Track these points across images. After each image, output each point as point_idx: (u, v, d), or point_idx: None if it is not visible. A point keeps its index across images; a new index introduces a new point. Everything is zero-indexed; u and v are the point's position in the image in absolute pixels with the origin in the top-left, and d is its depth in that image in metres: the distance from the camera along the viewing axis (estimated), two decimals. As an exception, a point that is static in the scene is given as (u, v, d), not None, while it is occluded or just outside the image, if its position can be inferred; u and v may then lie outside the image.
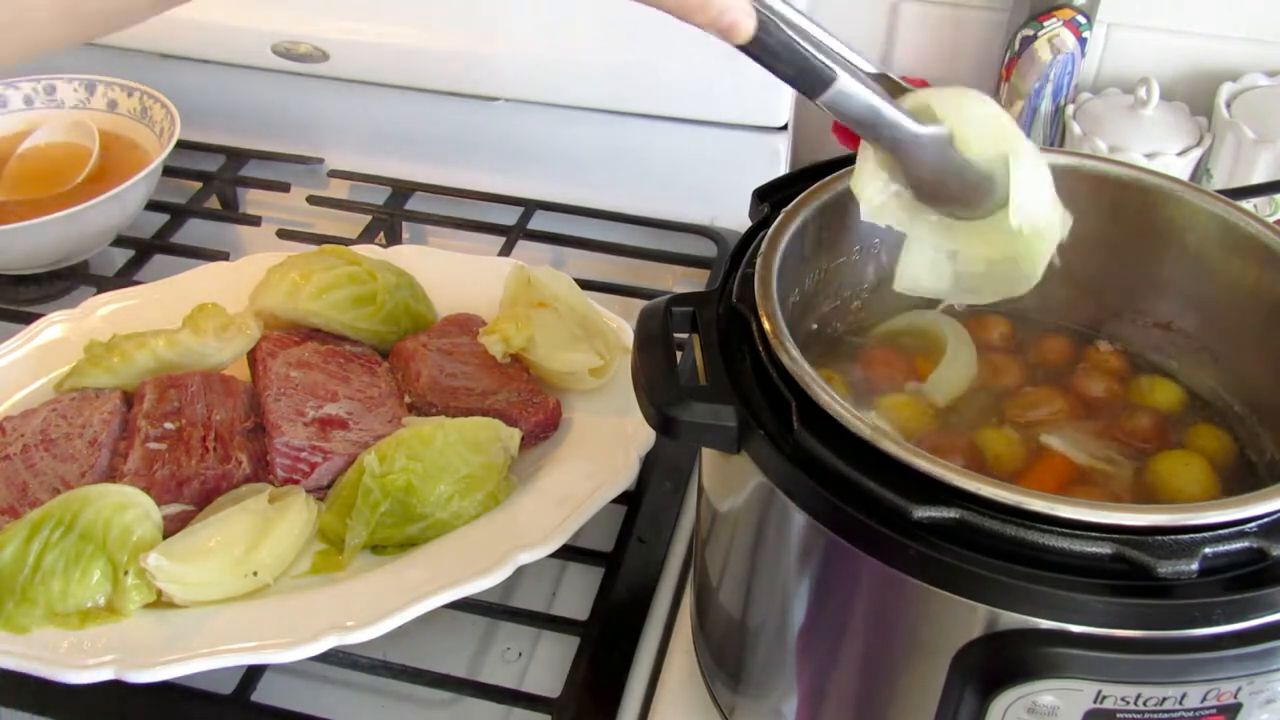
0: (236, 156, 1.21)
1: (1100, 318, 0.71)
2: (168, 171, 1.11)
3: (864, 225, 0.66)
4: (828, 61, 0.52)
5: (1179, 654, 0.47)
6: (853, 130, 0.57)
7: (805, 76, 0.53)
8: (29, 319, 0.96)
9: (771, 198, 0.65)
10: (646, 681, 0.75)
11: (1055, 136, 1.10)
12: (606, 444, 0.83)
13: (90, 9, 0.49)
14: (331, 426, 0.82)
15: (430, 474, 0.77)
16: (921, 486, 0.48)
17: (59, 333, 0.93)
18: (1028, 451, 0.64)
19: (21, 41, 0.49)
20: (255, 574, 0.73)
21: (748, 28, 0.51)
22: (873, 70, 0.57)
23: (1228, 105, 1.04)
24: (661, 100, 1.15)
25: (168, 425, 0.81)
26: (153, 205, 1.11)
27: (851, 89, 0.54)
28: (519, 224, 1.12)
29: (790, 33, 0.52)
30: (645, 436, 0.83)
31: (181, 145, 1.10)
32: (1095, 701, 0.48)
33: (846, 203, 0.64)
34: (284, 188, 1.17)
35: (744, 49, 0.52)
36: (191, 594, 0.72)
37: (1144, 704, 0.48)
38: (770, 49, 0.53)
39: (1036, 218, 0.58)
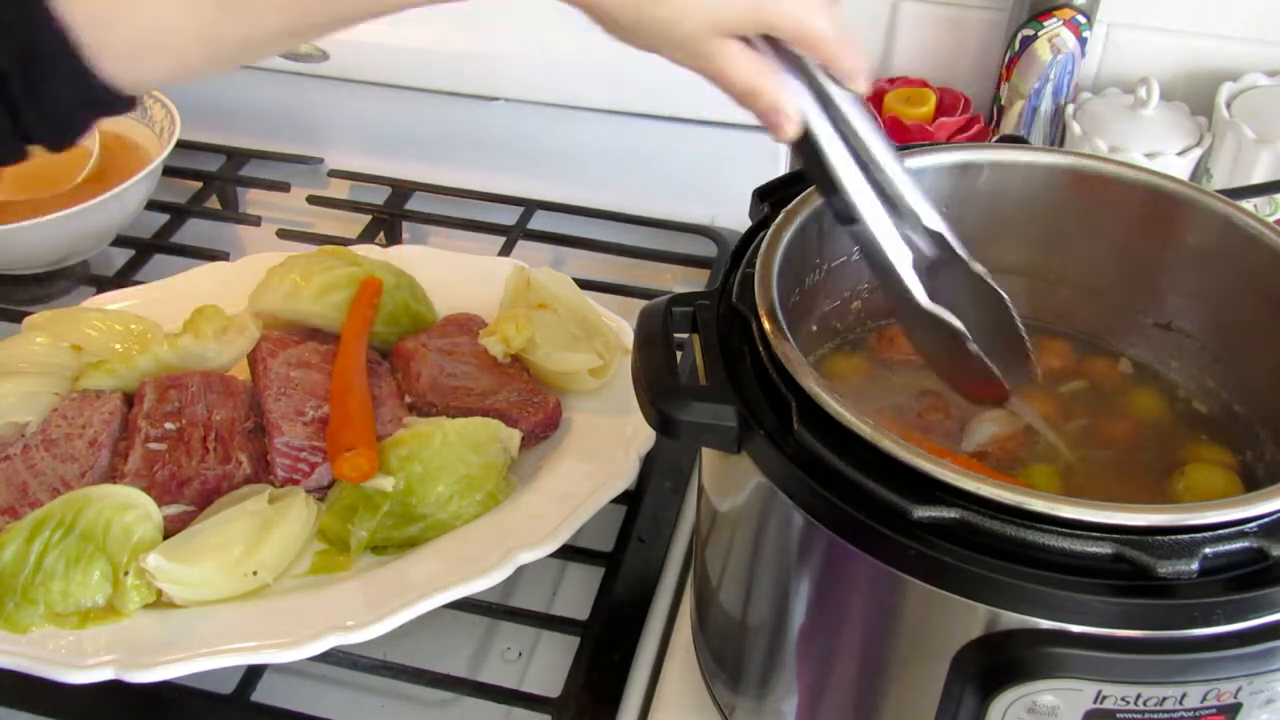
0: (236, 156, 1.21)
1: (1100, 317, 0.71)
2: (168, 171, 1.11)
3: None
4: (854, 201, 0.55)
5: (1179, 654, 0.47)
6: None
7: (832, 204, 0.56)
8: (29, 319, 0.96)
9: (771, 198, 0.65)
10: (646, 681, 0.75)
11: (1055, 136, 1.10)
12: (606, 444, 0.83)
13: (230, 38, 0.50)
14: (331, 426, 0.82)
15: (430, 474, 0.77)
16: (921, 486, 0.48)
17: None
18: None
19: (164, 67, 0.50)
20: (255, 574, 0.73)
21: (787, 134, 0.54)
22: (935, 227, 0.57)
23: (1228, 105, 1.04)
24: (661, 100, 1.15)
25: (168, 426, 0.81)
26: (153, 205, 1.11)
27: (871, 236, 0.56)
28: (519, 224, 1.12)
29: (831, 158, 0.54)
30: (645, 436, 0.83)
31: (181, 145, 1.10)
32: (1095, 701, 0.48)
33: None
34: (284, 188, 1.17)
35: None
36: (191, 594, 0.72)
37: (1144, 704, 0.48)
38: (806, 164, 0.55)
39: None
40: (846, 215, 0.56)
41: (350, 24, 0.53)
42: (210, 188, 1.18)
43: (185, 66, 0.50)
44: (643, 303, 0.63)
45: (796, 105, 0.53)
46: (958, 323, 0.58)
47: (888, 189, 0.56)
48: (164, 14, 0.48)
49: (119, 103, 0.51)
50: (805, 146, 0.55)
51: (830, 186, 0.55)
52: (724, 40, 0.52)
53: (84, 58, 0.47)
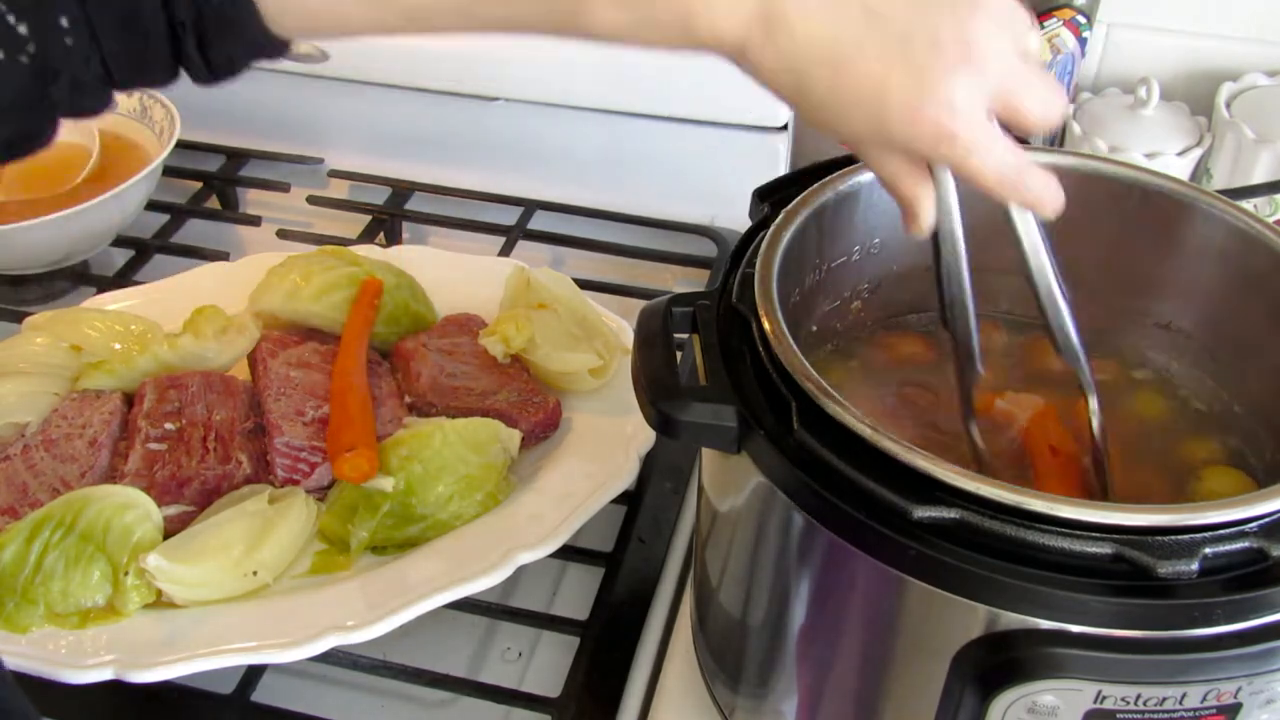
0: (236, 156, 1.21)
1: (1100, 317, 0.71)
2: (168, 171, 1.11)
3: (864, 225, 0.66)
4: (946, 311, 0.57)
5: (1179, 654, 0.47)
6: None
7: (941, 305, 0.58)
8: (29, 319, 0.95)
9: (771, 198, 0.65)
10: (646, 681, 0.75)
11: (1055, 136, 1.10)
12: (606, 444, 0.83)
13: (392, 25, 0.51)
14: (331, 426, 0.82)
15: (430, 474, 0.77)
16: (921, 486, 0.48)
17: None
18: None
19: (330, 35, 0.53)
20: (255, 574, 0.73)
21: (914, 231, 0.55)
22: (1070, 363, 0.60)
23: (1228, 105, 1.04)
24: (661, 100, 1.15)
25: (168, 426, 0.81)
26: (153, 205, 1.11)
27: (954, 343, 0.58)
28: (519, 224, 1.12)
29: (943, 269, 0.56)
30: (645, 436, 0.83)
31: (181, 145, 1.10)
32: (1095, 701, 0.48)
33: (846, 203, 0.64)
34: (284, 188, 1.17)
35: None
36: (191, 594, 0.72)
37: (1144, 704, 0.48)
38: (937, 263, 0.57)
39: None
40: (941, 318, 0.58)
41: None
42: (210, 188, 1.18)
43: (348, 36, 0.53)
44: (643, 303, 0.63)
45: (930, 211, 0.54)
46: (984, 450, 0.61)
47: (1049, 317, 0.58)
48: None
49: (278, 50, 0.53)
50: (934, 245, 0.56)
51: (938, 288, 0.57)
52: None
53: (262, 17, 0.49)
